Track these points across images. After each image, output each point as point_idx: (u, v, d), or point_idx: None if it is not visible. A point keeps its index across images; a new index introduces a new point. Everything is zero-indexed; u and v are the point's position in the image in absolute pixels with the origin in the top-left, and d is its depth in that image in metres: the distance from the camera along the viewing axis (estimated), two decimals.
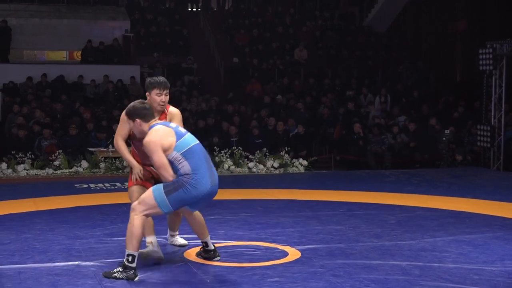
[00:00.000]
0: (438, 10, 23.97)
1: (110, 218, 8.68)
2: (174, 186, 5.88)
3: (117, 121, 14.76)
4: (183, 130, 6.12)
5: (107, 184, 11.76)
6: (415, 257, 6.68)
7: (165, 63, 21.36)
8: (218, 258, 6.45)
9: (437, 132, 16.26)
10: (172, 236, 7.10)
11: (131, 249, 5.91)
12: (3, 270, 6.18)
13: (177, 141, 5.92)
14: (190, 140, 6.01)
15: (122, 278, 5.91)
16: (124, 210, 9.20)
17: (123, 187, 11.50)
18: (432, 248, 7.06)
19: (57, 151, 13.94)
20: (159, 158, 5.87)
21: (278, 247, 7.03)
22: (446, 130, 15.99)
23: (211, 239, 6.49)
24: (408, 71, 21.84)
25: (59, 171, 13.59)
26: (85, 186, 11.61)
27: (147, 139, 5.93)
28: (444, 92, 20.70)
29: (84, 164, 13.75)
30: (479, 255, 6.77)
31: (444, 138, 15.84)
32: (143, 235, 6.10)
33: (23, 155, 13.67)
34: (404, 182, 12.12)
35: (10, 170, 13.45)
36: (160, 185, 5.95)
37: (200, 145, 6.10)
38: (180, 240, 7.08)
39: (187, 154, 5.90)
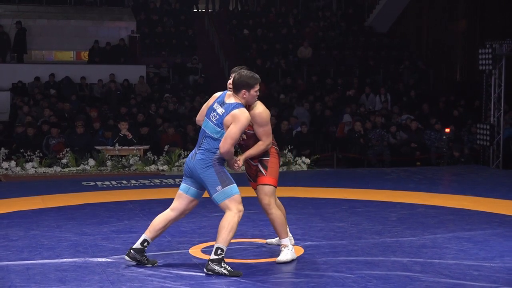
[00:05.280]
0: (438, 10, 24.08)
1: (117, 215, 8.78)
2: None
3: (123, 119, 14.96)
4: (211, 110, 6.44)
5: (113, 182, 11.85)
6: (416, 253, 6.74)
7: (171, 63, 21.50)
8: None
9: (437, 131, 16.39)
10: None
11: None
12: (11, 266, 6.25)
13: None
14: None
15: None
16: (130, 207, 9.35)
17: (129, 184, 11.64)
18: (433, 244, 7.11)
19: (65, 150, 14.08)
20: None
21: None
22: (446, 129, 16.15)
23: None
24: (408, 71, 21.95)
25: (66, 169, 13.71)
26: (92, 183, 11.70)
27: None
28: (444, 92, 20.81)
29: (91, 162, 13.88)
30: (479, 252, 6.82)
31: (444, 137, 15.98)
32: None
33: (32, 154, 13.81)
34: (405, 180, 12.20)
35: (18, 168, 13.57)
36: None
37: (202, 129, 6.41)
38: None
39: None
